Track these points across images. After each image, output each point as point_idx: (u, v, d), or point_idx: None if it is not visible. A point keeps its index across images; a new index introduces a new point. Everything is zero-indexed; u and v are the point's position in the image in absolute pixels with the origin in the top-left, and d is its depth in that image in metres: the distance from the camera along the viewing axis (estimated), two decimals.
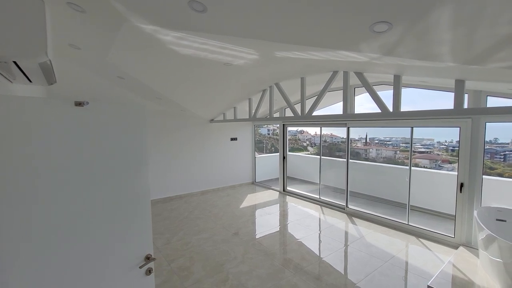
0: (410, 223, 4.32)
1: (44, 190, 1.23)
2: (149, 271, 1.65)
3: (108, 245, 1.47)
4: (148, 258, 1.65)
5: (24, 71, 1.23)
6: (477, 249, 3.33)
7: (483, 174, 3.55)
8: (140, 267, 1.59)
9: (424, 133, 6.41)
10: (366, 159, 7.37)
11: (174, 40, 2.34)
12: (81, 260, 1.36)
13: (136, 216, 1.60)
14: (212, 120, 6.87)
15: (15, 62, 1.09)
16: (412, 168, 4.52)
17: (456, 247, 3.67)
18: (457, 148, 5.95)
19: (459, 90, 2.49)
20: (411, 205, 4.51)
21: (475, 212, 3.41)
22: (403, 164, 6.48)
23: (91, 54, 2.90)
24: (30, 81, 1.45)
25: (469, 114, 2.55)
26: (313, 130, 9.77)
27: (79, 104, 1.30)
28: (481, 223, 3.04)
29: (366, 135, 7.55)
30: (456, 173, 3.83)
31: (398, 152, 6.94)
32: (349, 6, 1.36)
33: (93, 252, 1.41)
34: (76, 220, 1.34)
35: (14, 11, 0.99)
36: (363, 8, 1.35)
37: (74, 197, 1.32)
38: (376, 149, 7.38)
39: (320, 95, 3.72)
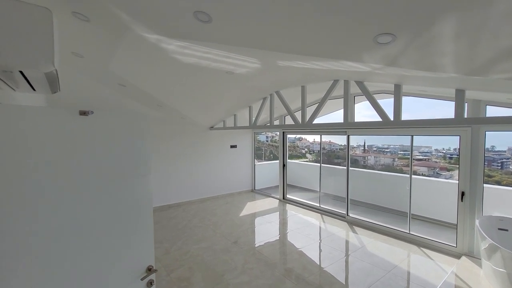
0: (411, 232, 4.29)
1: (45, 199, 1.20)
2: (150, 283, 1.61)
3: (109, 256, 1.43)
4: (149, 270, 1.61)
5: (29, 80, 1.22)
6: (480, 259, 3.30)
7: (483, 183, 3.55)
8: (142, 279, 1.55)
9: (421, 141, 6.44)
10: (364, 167, 7.37)
11: (177, 49, 2.36)
12: (81, 270, 1.33)
13: (138, 226, 1.57)
14: (212, 127, 6.87)
15: (21, 71, 1.09)
16: (413, 176, 4.51)
17: (458, 257, 3.64)
18: (455, 156, 6.00)
19: (459, 99, 2.51)
20: (411, 214, 4.49)
21: (476, 221, 3.40)
22: (401, 171, 6.48)
23: (94, 62, 2.90)
24: (34, 89, 1.44)
25: (470, 124, 2.56)
26: (311, 137, 9.78)
27: (83, 113, 1.29)
28: (483, 233, 3.02)
29: (364, 143, 7.57)
30: (455, 181, 3.83)
31: (396, 159, 6.95)
32: (354, 17, 1.38)
33: (94, 263, 1.37)
34: (77, 230, 1.31)
35: (22, 21, 0.99)
36: (368, 19, 1.37)
37: (76, 206, 1.30)
38: (374, 157, 7.39)
39: (320, 104, 3.73)
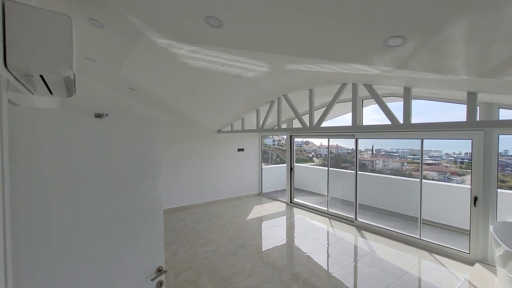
0: (422, 238, 4.20)
1: (60, 199, 1.23)
2: (160, 284, 1.62)
3: (121, 255, 1.45)
4: (159, 271, 1.63)
5: (48, 84, 1.27)
6: (494, 266, 3.20)
7: (497, 188, 3.46)
8: (152, 280, 1.57)
9: (431, 145, 6.34)
10: (373, 171, 7.28)
11: (187, 53, 2.40)
12: (93, 269, 1.34)
13: (149, 226, 1.58)
14: (219, 130, 6.92)
15: (41, 76, 1.13)
16: (423, 180, 4.43)
17: (471, 264, 3.54)
18: (466, 160, 5.86)
19: (471, 102, 2.47)
20: (422, 219, 4.40)
21: (490, 227, 3.30)
22: (410, 176, 6.37)
23: (106, 67, 2.98)
24: (51, 93, 1.49)
25: (483, 127, 2.51)
26: (318, 141, 9.74)
27: (98, 116, 1.33)
28: (498, 239, 2.94)
29: (373, 147, 7.49)
30: (467, 186, 3.75)
31: (405, 164, 6.84)
32: (364, 21, 1.38)
33: (106, 262, 1.39)
34: (89, 229, 1.33)
35: (43, 28, 1.04)
36: (378, 23, 1.38)
37: (89, 206, 1.32)
38: (383, 161, 7.30)
39: (328, 107, 3.73)
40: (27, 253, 1.15)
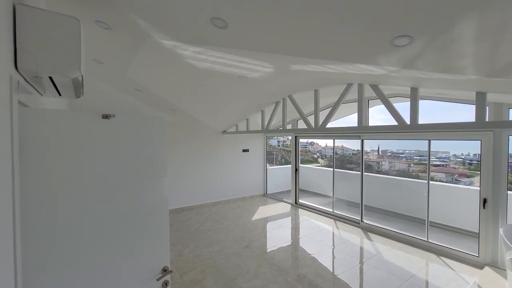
0: (429, 240, 4.14)
1: (66, 198, 1.24)
2: (165, 284, 1.63)
3: (127, 255, 1.46)
4: (165, 271, 1.63)
5: (57, 86, 1.29)
6: (505, 270, 3.13)
7: (507, 190, 3.39)
8: (158, 280, 1.58)
9: (439, 146, 6.24)
10: (379, 172, 7.21)
11: (192, 54, 2.42)
12: (99, 268, 1.36)
13: (155, 226, 1.59)
14: (225, 131, 6.94)
15: (50, 77, 1.15)
16: (430, 182, 4.37)
17: (481, 267, 3.47)
18: (475, 162, 5.74)
19: (480, 102, 2.43)
20: (429, 221, 4.33)
21: (500, 230, 3.24)
22: (417, 177, 6.28)
23: (113, 68, 3.02)
24: (59, 94, 1.52)
25: (492, 127, 2.46)
26: (323, 142, 9.68)
27: (106, 116, 1.34)
28: (508, 242, 2.87)
29: (379, 147, 7.41)
30: (476, 187, 3.68)
31: (412, 165, 6.75)
32: (371, 21, 1.37)
33: (112, 262, 1.40)
34: (96, 229, 1.34)
35: (52, 30, 1.06)
36: (384, 22, 1.36)
37: (95, 206, 1.34)
38: (389, 162, 7.22)
39: (334, 108, 3.71)
40: (35, 252, 1.16)
